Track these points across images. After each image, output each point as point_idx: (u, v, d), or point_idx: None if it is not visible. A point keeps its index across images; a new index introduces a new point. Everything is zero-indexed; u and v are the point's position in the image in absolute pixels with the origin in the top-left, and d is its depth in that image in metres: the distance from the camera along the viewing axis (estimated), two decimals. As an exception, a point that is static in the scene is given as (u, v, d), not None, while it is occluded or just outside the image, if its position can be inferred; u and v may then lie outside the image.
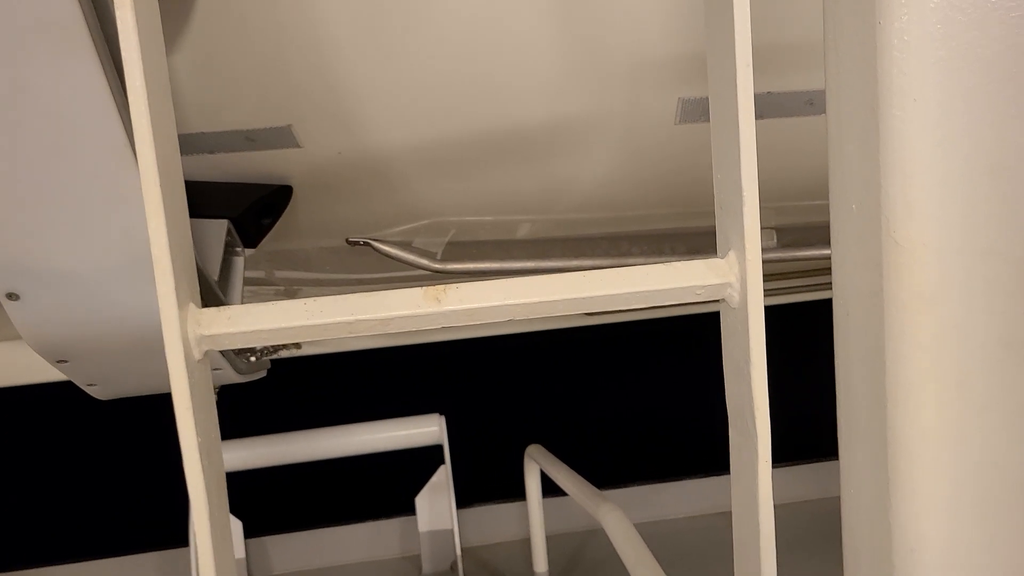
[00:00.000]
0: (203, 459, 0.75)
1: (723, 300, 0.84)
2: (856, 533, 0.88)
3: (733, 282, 0.82)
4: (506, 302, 0.81)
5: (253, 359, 1.74)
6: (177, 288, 0.74)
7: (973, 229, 0.78)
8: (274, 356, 2.09)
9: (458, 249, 2.05)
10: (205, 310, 0.78)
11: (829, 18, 0.82)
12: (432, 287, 0.81)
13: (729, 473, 0.90)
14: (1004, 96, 0.76)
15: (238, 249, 1.64)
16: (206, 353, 0.78)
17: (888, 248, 0.77)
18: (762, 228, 2.23)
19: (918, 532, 0.80)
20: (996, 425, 0.80)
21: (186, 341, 0.75)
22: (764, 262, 2.19)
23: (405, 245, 1.96)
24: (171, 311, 0.74)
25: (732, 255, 0.83)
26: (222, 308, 0.78)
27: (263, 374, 1.88)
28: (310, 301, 0.79)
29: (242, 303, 1.69)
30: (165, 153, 0.76)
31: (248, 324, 0.78)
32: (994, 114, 0.76)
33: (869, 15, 0.75)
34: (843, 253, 0.85)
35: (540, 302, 0.81)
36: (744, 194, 0.79)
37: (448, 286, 0.81)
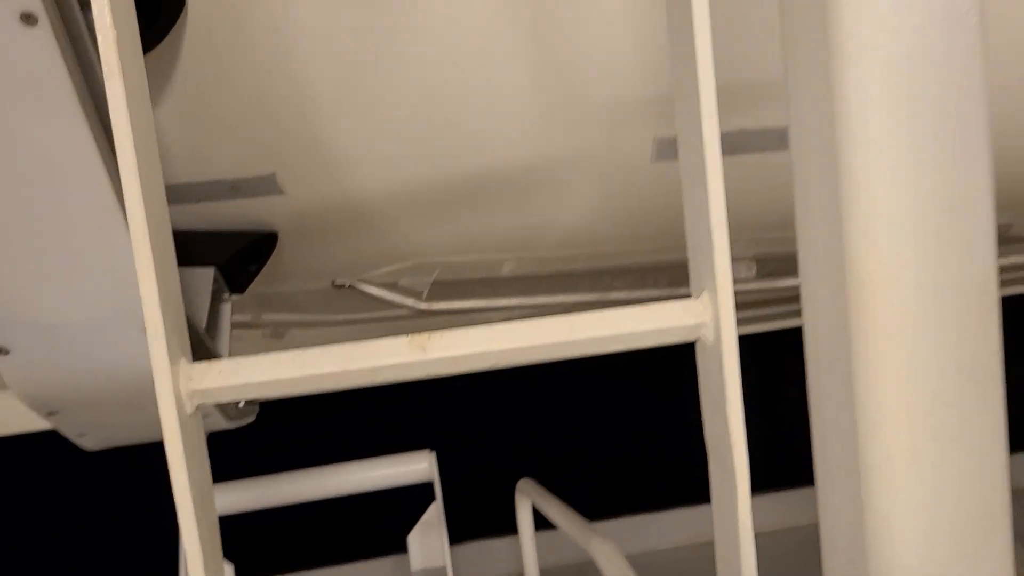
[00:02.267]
0: (198, 511, 0.77)
1: (698, 339, 0.87)
2: (835, 563, 0.90)
3: (707, 322, 0.85)
4: (490, 348, 0.84)
5: (242, 404, 1.75)
6: (168, 344, 0.76)
7: (935, 265, 0.81)
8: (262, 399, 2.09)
9: (444, 288, 2.07)
10: (196, 364, 0.80)
11: (788, 66, 0.85)
12: (416, 336, 0.83)
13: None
14: (958, 136, 0.80)
15: (225, 296, 1.66)
16: (198, 407, 0.80)
17: (853, 286, 0.80)
18: (742, 259, 2.26)
19: (895, 563, 0.82)
20: (967, 454, 0.83)
21: (178, 396, 0.77)
22: (745, 292, 2.21)
23: (391, 286, 1.99)
24: (163, 367, 0.76)
25: (706, 295, 0.86)
26: (213, 362, 0.80)
27: (252, 419, 1.89)
28: (299, 353, 0.81)
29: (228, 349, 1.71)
30: (154, 213, 0.78)
31: (239, 378, 0.80)
32: (950, 154, 0.80)
33: (824, 64, 0.79)
34: (812, 291, 0.88)
35: (524, 347, 0.84)
36: (714, 237, 0.82)
37: (432, 334, 0.84)
